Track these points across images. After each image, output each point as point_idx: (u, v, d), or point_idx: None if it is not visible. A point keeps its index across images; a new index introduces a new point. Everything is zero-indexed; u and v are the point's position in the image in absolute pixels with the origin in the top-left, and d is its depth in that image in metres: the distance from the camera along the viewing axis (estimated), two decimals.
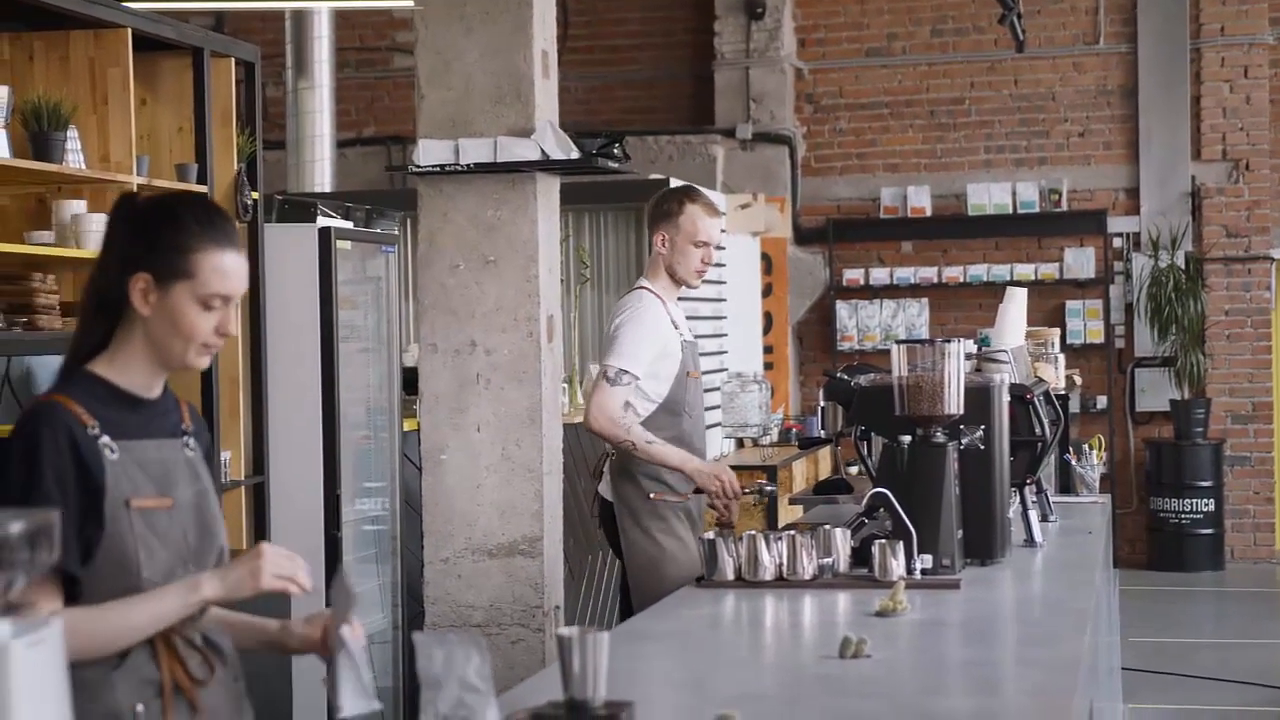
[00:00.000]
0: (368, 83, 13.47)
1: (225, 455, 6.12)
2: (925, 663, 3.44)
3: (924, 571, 4.13)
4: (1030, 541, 4.87)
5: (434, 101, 5.09)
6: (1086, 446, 6.75)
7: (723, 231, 6.47)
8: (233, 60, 6.36)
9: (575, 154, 5.01)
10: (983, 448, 4.39)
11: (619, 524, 5.30)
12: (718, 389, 9.65)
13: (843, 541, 4.19)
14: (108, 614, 2.64)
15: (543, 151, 4.98)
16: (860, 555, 4.18)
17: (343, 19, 12.23)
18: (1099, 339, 12.50)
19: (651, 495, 5.26)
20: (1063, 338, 9.53)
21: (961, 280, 12.58)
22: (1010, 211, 12.54)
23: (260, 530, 6.32)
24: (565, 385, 7.90)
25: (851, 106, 12.99)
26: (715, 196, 10.25)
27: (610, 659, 2.54)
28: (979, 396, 4.41)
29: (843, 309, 12.79)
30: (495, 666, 2.74)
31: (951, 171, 12.81)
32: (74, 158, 5.43)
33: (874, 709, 2.99)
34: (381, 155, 13.05)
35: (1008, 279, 12.06)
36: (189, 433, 2.86)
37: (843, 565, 4.17)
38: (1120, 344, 12.57)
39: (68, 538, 2.59)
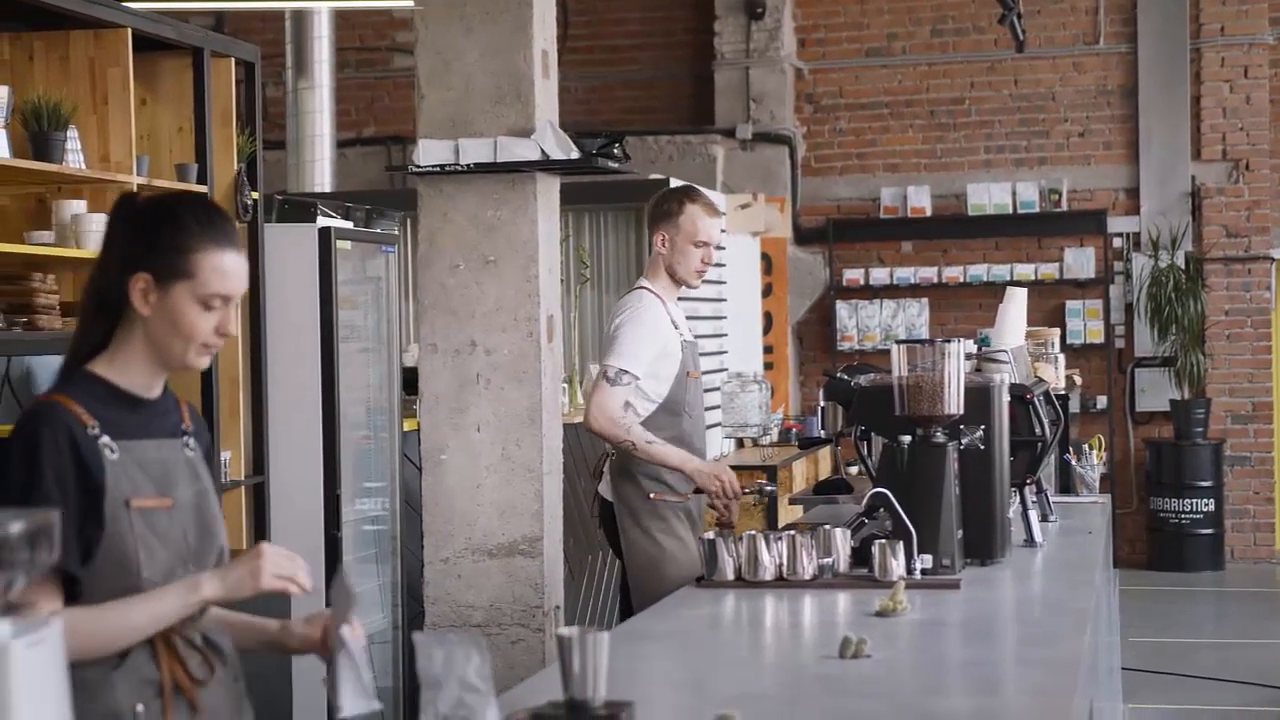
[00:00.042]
0: (368, 83, 13.47)
1: (225, 455, 6.12)
2: (925, 663, 3.44)
3: (924, 571, 4.13)
4: (1030, 541, 4.87)
5: (434, 101, 5.09)
6: (1086, 446, 6.75)
7: (723, 231, 6.47)
8: (233, 60, 6.36)
9: (575, 154, 5.00)
10: (983, 448, 4.39)
11: (619, 524, 5.30)
12: (718, 389, 9.66)
13: (843, 541, 4.19)
14: (108, 614, 2.64)
15: (543, 151, 4.98)
16: (860, 555, 4.18)
17: (343, 19, 12.23)
18: (1099, 339, 12.50)
19: (651, 495, 5.26)
20: (1063, 338, 9.53)
21: (961, 280, 12.58)
22: (1010, 211, 12.54)
23: (260, 530, 6.32)
24: (565, 385, 7.90)
25: (851, 106, 12.99)
26: (715, 196, 10.25)
27: (610, 659, 2.54)
28: (979, 396, 4.41)
29: (843, 309, 12.79)
30: (495, 666, 2.74)
31: (951, 171, 12.82)
32: (74, 158, 5.43)
33: (874, 709, 2.99)
34: (381, 155, 13.05)
35: (1008, 279, 12.06)
36: (189, 433, 2.86)
37: (843, 565, 4.17)
38: (1120, 344, 12.58)
39: (68, 538, 2.59)
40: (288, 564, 2.72)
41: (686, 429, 5.32)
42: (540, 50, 5.07)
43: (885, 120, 12.95)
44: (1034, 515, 4.94)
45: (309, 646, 2.87)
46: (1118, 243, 12.58)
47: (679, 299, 5.47)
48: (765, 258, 12.08)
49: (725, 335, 10.30)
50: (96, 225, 5.38)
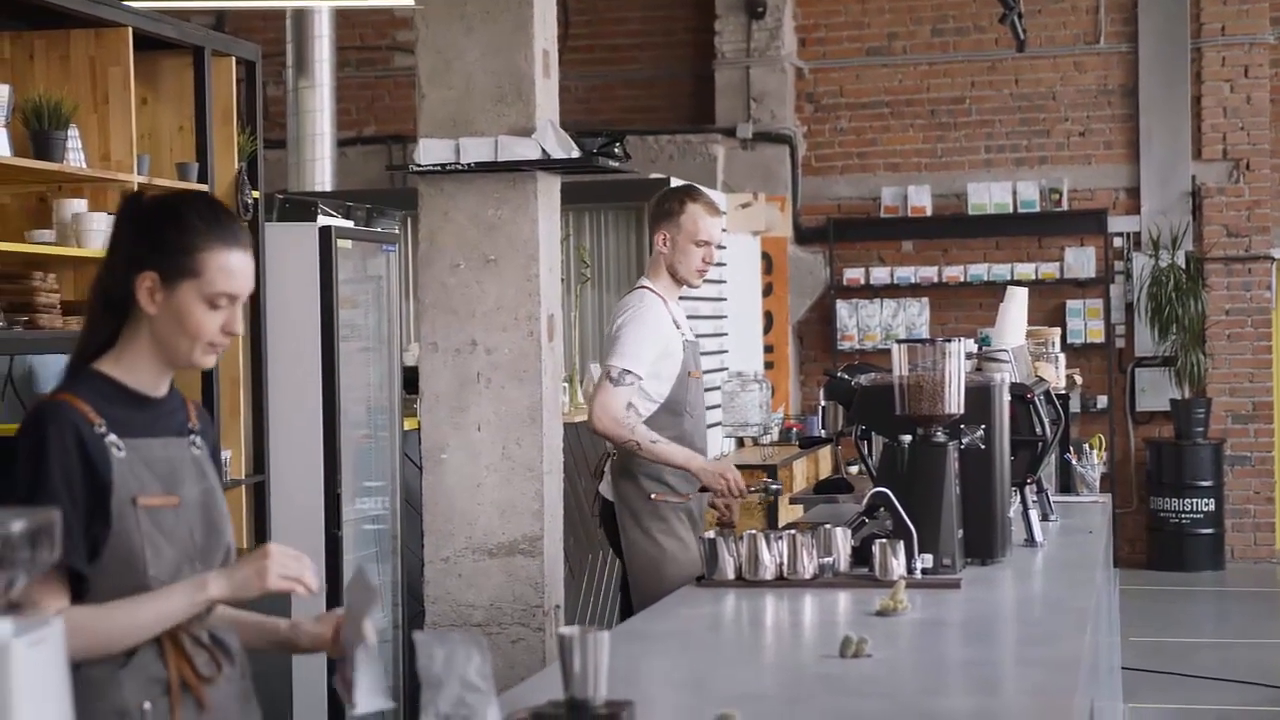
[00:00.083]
0: (368, 82, 13.47)
1: (226, 454, 6.12)
2: (925, 662, 3.44)
3: (924, 571, 4.13)
4: (1030, 541, 4.87)
5: (435, 101, 5.09)
6: (1087, 446, 6.76)
7: (723, 231, 6.46)
8: (233, 59, 6.36)
9: (576, 153, 5.01)
10: (983, 447, 4.39)
11: (619, 524, 5.30)
12: (718, 388, 9.65)
13: (843, 541, 4.19)
14: (114, 612, 2.64)
15: (543, 151, 4.98)
16: (861, 555, 4.18)
17: (343, 18, 12.23)
18: (1099, 338, 12.50)
19: (653, 495, 5.26)
20: (1063, 337, 9.53)
21: (962, 280, 12.58)
22: (1011, 211, 12.54)
23: (261, 529, 6.32)
24: (565, 384, 7.90)
25: (852, 106, 12.99)
26: (716, 196, 10.23)
27: (610, 659, 2.54)
28: (979, 396, 4.41)
29: (843, 308, 12.79)
30: (496, 666, 2.75)
31: (952, 171, 12.81)
32: (75, 157, 5.43)
33: (874, 709, 2.99)
34: (382, 154, 13.05)
35: (1008, 278, 12.06)
36: (195, 431, 2.86)
37: (843, 565, 4.17)
38: (1120, 343, 12.58)
39: (74, 536, 2.60)
40: (294, 564, 2.72)
41: (688, 429, 5.31)
42: (541, 49, 5.08)
43: (886, 120, 12.95)
44: (1034, 515, 4.95)
45: (320, 645, 2.86)
46: (1118, 242, 12.58)
47: (680, 298, 5.47)
48: (766, 257, 12.08)
49: (726, 335, 10.30)
50: (97, 224, 5.39)
